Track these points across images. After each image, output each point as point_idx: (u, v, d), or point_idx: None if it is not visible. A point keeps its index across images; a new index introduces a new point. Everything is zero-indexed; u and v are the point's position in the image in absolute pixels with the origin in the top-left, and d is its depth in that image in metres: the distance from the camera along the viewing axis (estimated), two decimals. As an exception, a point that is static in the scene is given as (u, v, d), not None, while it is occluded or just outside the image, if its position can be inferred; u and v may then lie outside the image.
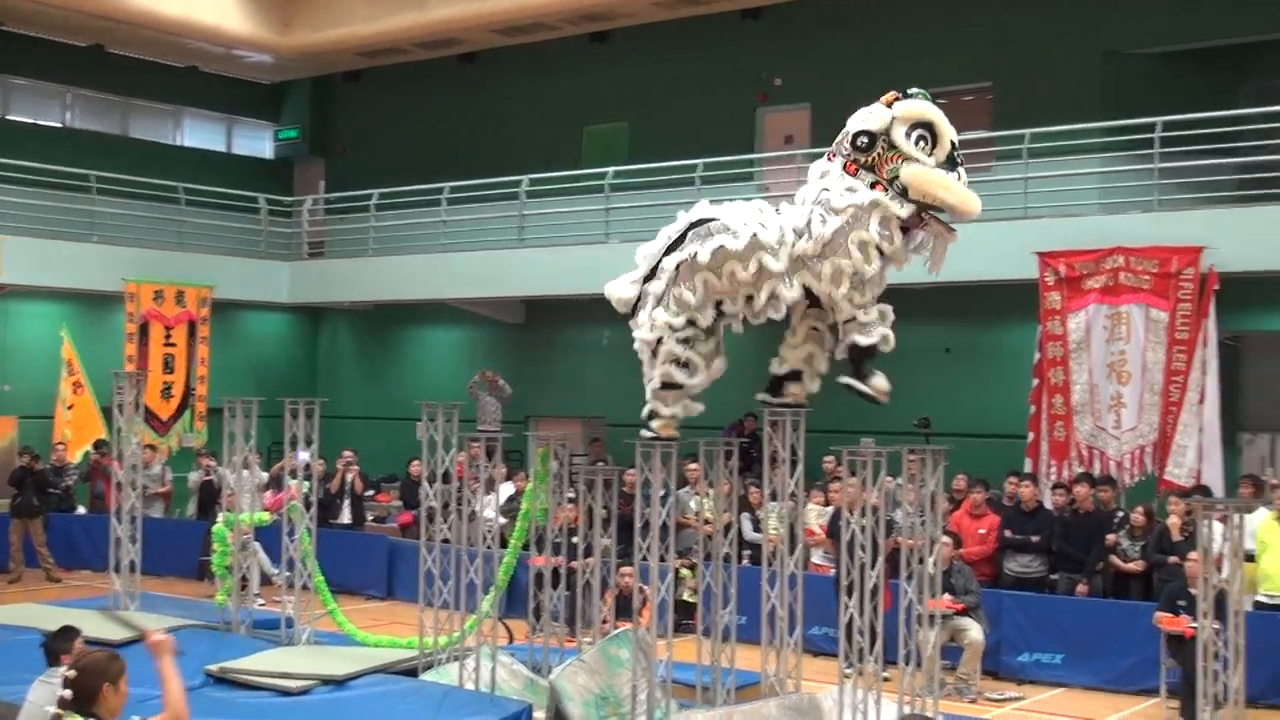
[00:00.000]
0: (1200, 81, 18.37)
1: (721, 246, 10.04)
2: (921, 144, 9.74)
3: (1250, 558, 13.06)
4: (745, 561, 14.67)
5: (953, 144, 9.81)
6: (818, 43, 21.25)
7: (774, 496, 11.84)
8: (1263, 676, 12.11)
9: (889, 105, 9.88)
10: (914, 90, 9.91)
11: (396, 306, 24.57)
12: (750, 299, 10.17)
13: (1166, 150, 16.29)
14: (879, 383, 10.06)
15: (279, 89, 27.94)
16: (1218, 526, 9.26)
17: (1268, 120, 16.53)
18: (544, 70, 24.21)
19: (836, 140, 10.16)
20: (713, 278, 10.15)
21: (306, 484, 13.88)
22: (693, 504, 15.38)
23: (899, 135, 9.76)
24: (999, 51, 19.65)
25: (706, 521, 12.00)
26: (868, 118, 9.92)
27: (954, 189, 9.70)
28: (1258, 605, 13.07)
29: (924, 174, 9.69)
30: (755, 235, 9.95)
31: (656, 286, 10.37)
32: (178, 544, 19.32)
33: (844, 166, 9.97)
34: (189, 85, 26.76)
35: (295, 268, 24.36)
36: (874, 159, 9.82)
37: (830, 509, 15.25)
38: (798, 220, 10.03)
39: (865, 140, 9.85)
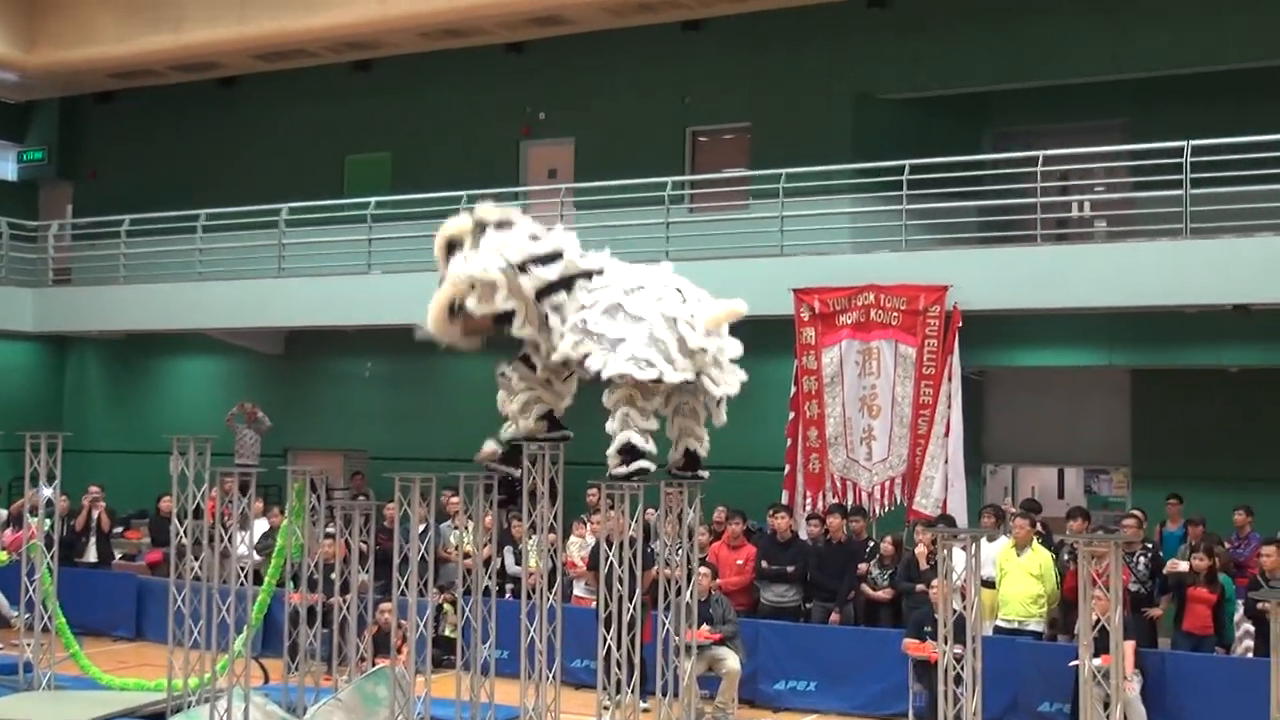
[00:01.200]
0: (945, 127, 19.20)
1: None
2: None
3: (991, 584, 13.65)
4: (508, 595, 14.63)
5: None
6: (581, 78, 21.48)
7: (535, 529, 11.85)
8: (1002, 699, 12.63)
9: None
10: None
11: (150, 336, 23.76)
12: None
13: (914, 192, 16.95)
14: None
15: (24, 109, 26.74)
16: (960, 555, 9.64)
17: (1006, 165, 17.39)
18: (306, 97, 23.82)
19: None
20: None
21: (48, 521, 13.35)
22: (453, 538, 15.29)
23: None
24: (756, 93, 20.18)
25: (467, 555, 11.94)
26: None
27: None
28: (997, 630, 13.65)
29: None
30: None
31: None
32: (-92, 586, 18.28)
33: None
34: (-76, 102, 25.50)
35: (40, 295, 23.34)
36: None
37: (592, 540, 15.34)
38: None
39: None
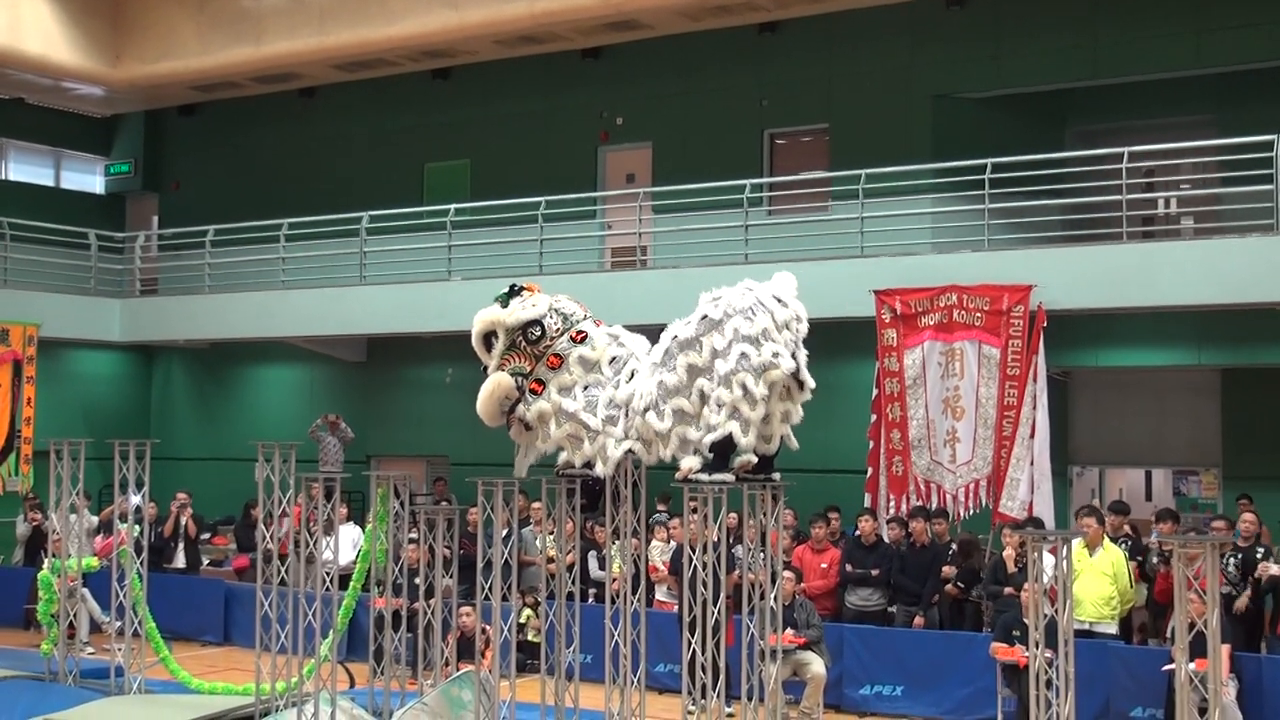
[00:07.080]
0: (1025, 125, 18.98)
1: None
2: None
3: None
4: (591, 600, 14.63)
5: None
6: (658, 82, 21.47)
7: (618, 534, 11.83)
8: (1093, 704, 12.42)
9: None
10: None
11: (234, 345, 24.08)
12: None
13: (995, 191, 16.75)
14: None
15: (110, 122, 27.23)
16: (1049, 558, 9.49)
17: (1090, 163, 17.13)
18: (385, 106, 24.03)
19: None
20: None
21: (137, 528, 13.52)
22: (537, 542, 15.32)
23: None
24: (834, 94, 20.05)
25: (550, 560, 11.94)
26: None
27: None
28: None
29: None
30: None
31: None
32: (2, 592, 18.63)
33: None
34: (14, 117, 25.92)
35: (127, 305, 23.73)
36: None
37: (673, 545, 15.31)
38: None
39: None
